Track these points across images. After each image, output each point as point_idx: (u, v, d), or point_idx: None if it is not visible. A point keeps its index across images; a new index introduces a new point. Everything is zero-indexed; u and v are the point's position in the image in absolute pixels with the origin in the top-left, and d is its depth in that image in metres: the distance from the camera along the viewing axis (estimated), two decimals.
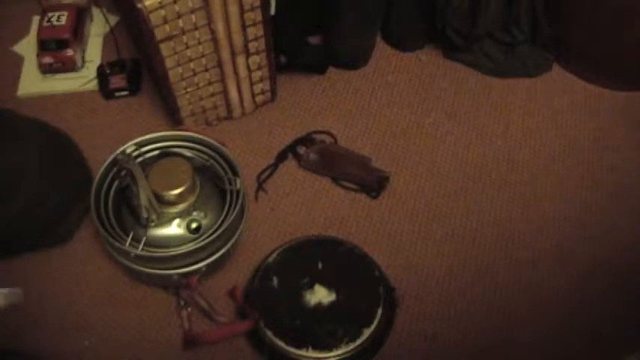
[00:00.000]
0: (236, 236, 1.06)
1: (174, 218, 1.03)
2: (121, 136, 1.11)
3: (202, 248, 1.00)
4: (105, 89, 1.34)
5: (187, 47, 1.11)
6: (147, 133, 1.09)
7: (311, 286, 1.04)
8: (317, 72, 1.38)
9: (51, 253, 1.12)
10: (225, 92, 1.24)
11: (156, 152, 1.10)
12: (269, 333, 1.00)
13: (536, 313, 1.08)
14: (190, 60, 1.13)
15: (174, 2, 1.02)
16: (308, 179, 1.24)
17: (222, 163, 1.08)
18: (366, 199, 1.21)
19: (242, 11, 1.10)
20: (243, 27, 1.13)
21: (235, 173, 1.06)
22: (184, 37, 1.08)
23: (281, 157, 1.25)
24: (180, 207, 1.03)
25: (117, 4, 1.47)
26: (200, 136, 1.10)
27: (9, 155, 1.01)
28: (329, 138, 1.28)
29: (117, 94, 1.33)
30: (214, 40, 1.12)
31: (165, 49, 1.08)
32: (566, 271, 1.13)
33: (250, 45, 1.17)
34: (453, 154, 1.28)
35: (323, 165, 1.23)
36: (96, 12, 1.47)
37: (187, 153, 1.10)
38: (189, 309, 1.06)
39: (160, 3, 1.01)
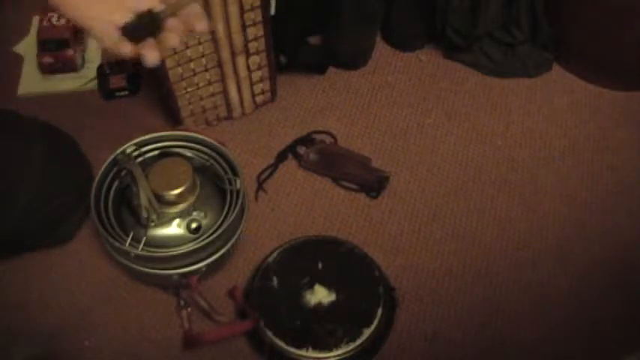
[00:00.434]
0: (236, 236, 1.06)
1: (174, 218, 1.03)
2: (121, 136, 1.11)
3: (202, 248, 1.00)
4: (105, 89, 1.33)
5: (187, 47, 1.11)
6: (147, 133, 1.09)
7: (311, 286, 1.04)
8: (317, 72, 1.38)
9: (51, 253, 1.12)
10: (225, 92, 1.24)
11: (156, 152, 1.09)
12: (269, 333, 1.00)
13: (536, 313, 1.08)
14: (190, 60, 1.14)
15: None
16: (308, 179, 1.24)
17: (222, 163, 1.08)
18: (366, 199, 1.21)
19: (242, 11, 1.10)
20: (243, 27, 1.13)
21: (235, 173, 1.06)
22: (184, 37, 1.08)
23: (281, 157, 1.25)
24: (180, 207, 1.02)
25: None
26: (200, 136, 1.10)
27: (13, 155, 1.01)
28: (329, 138, 1.28)
29: (117, 94, 1.33)
30: (214, 40, 1.12)
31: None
32: (566, 271, 1.13)
33: (250, 45, 1.17)
34: (453, 154, 1.28)
35: (323, 165, 1.23)
36: None
37: (187, 153, 1.10)
38: (189, 309, 1.06)
39: None
